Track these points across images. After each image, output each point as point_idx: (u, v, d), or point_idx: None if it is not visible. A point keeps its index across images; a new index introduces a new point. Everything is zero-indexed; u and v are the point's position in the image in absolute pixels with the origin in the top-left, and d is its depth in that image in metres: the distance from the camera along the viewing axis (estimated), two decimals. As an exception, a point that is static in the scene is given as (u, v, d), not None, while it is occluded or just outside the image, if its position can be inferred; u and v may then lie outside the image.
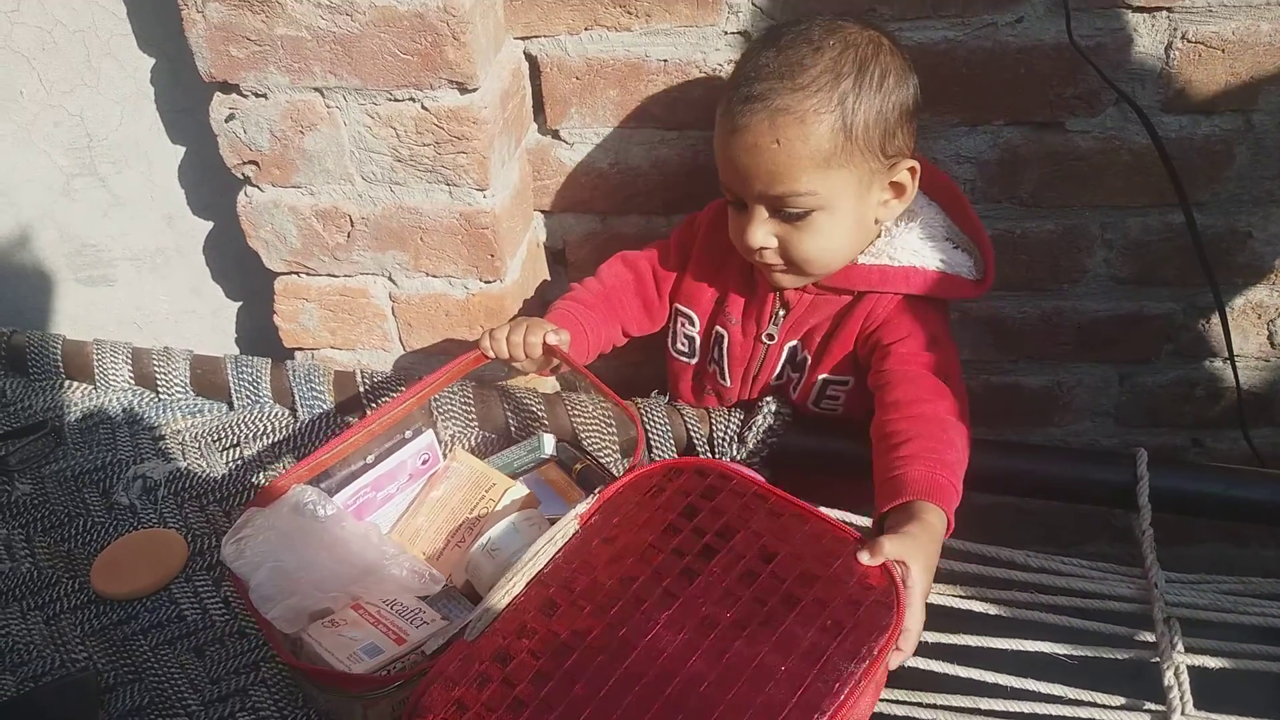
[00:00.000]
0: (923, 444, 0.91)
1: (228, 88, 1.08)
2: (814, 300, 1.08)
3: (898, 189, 1.02)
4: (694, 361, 1.18)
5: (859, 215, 1.00)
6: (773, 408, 1.10)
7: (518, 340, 1.03)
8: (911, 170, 1.01)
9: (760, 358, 1.12)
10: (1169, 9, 1.08)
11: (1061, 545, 1.55)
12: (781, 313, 1.10)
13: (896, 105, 0.98)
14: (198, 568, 1.03)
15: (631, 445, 1.10)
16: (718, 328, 1.14)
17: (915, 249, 1.05)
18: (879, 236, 1.05)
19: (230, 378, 1.19)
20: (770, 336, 1.10)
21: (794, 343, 1.11)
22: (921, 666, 0.90)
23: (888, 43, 0.99)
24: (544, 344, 1.03)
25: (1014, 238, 1.24)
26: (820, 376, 1.09)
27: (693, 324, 1.16)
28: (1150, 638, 0.91)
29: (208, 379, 1.20)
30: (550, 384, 1.26)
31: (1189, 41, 1.09)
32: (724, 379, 1.16)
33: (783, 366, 1.12)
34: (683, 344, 1.18)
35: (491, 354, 1.05)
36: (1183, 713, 0.86)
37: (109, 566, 1.01)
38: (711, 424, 1.11)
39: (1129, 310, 1.29)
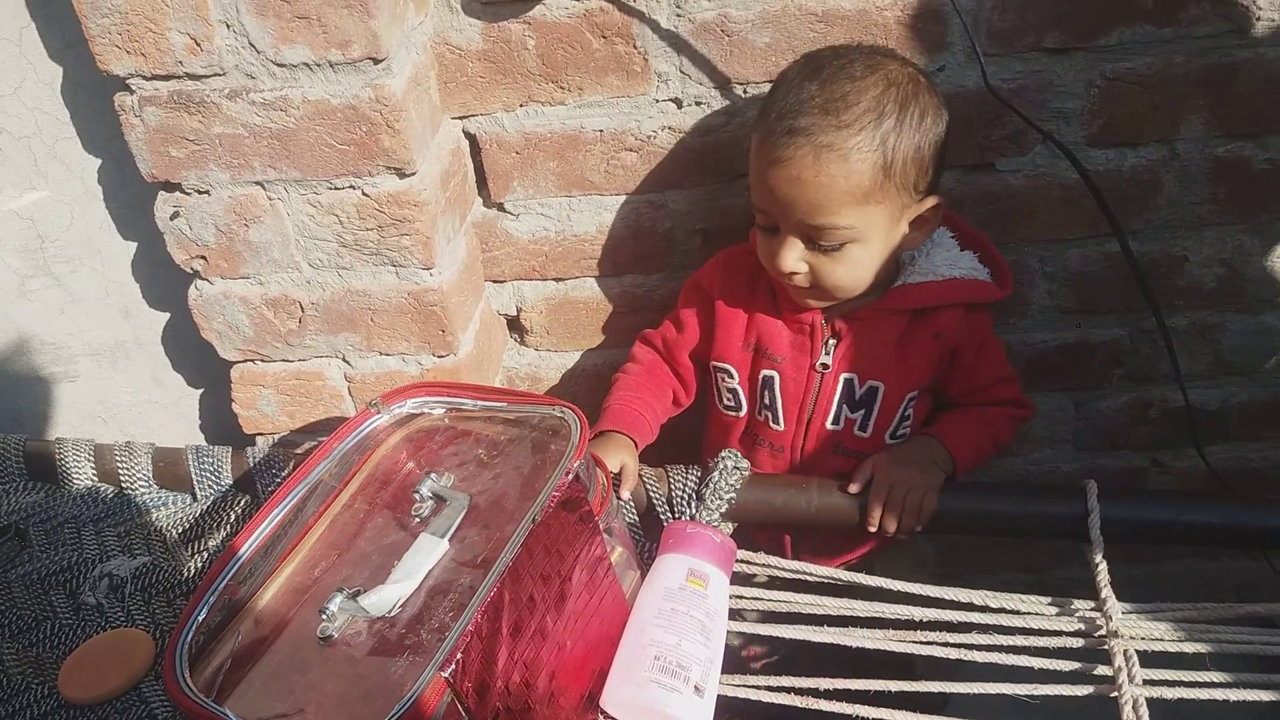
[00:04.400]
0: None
1: (170, 186, 1.10)
2: (864, 327, 1.10)
3: (923, 223, 1.06)
4: (743, 415, 1.17)
5: (887, 246, 1.04)
6: (729, 464, 1.11)
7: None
8: (936, 207, 1.05)
9: (815, 390, 1.12)
10: (1084, 49, 1.11)
11: (1036, 571, 1.56)
12: (833, 342, 1.11)
13: (932, 144, 1.01)
14: (166, 665, 1.03)
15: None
16: (764, 372, 1.13)
17: (951, 262, 1.10)
18: (911, 262, 1.10)
19: (192, 469, 1.20)
20: (825, 365, 1.11)
21: (849, 375, 1.11)
22: (885, 718, 0.90)
23: (924, 80, 1.02)
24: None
25: (957, 276, 1.26)
26: (908, 394, 1.11)
27: (731, 376, 1.16)
28: (1109, 671, 0.92)
29: (170, 471, 1.21)
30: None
31: (1107, 78, 1.12)
32: (777, 423, 1.15)
33: (839, 405, 1.12)
34: (728, 399, 1.18)
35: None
36: (1143, 746, 0.86)
37: (76, 672, 1.01)
38: (670, 483, 1.12)
39: (1076, 339, 1.32)
